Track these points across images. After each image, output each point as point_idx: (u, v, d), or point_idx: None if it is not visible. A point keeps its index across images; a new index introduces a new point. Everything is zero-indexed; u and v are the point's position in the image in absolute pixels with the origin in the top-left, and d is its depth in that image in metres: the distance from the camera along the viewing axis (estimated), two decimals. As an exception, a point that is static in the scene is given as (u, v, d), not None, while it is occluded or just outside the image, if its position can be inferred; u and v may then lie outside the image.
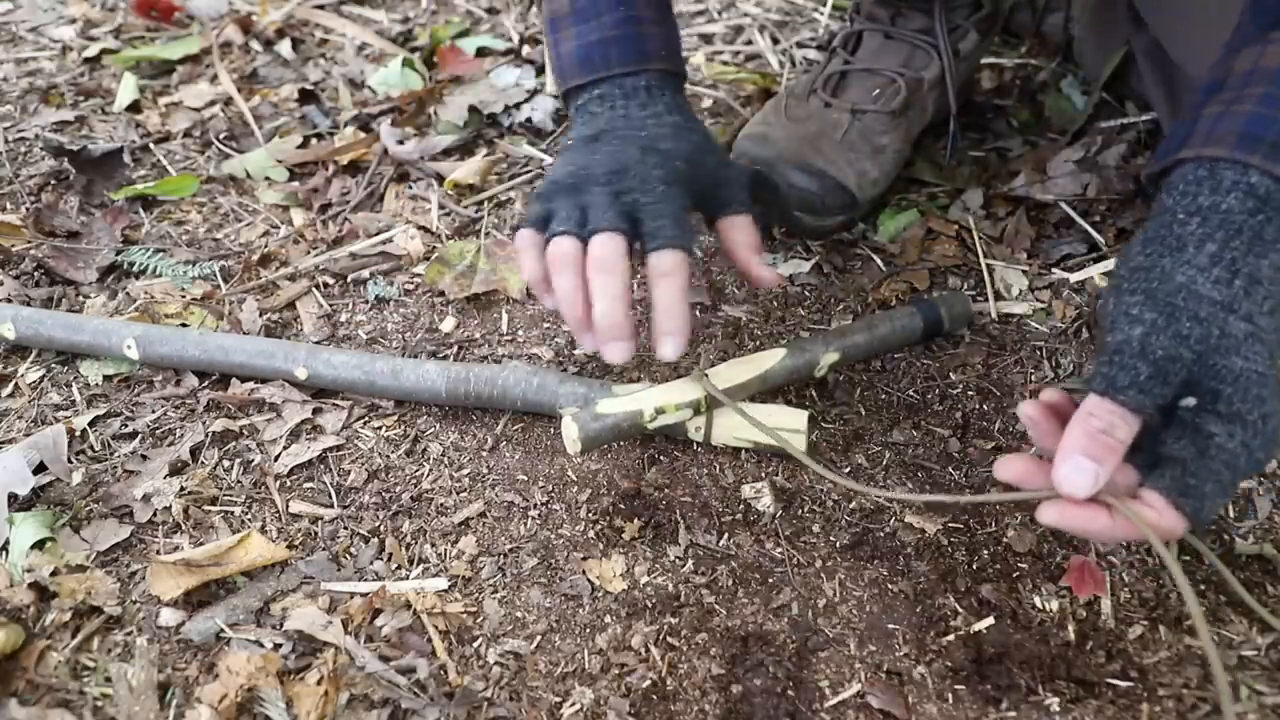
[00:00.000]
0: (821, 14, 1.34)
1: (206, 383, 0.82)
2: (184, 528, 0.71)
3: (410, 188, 1.07)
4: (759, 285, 0.74)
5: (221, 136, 1.15)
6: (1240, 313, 0.47)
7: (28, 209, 1.02)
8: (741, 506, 0.72)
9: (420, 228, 1.00)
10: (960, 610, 0.65)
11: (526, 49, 1.31)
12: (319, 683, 0.60)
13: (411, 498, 0.73)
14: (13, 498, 0.71)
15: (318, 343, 0.86)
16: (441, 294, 0.92)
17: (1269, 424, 0.46)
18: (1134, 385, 0.48)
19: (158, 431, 0.79)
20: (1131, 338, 0.49)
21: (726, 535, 0.70)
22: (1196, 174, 0.50)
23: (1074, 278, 0.90)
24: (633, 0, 0.73)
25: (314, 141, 1.14)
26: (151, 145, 1.13)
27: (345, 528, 0.71)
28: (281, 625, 0.64)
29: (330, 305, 0.91)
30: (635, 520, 0.71)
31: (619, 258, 0.63)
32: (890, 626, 0.65)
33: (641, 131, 0.69)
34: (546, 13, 0.76)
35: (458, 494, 0.74)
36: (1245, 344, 0.47)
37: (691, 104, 0.86)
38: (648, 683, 0.61)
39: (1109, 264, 0.91)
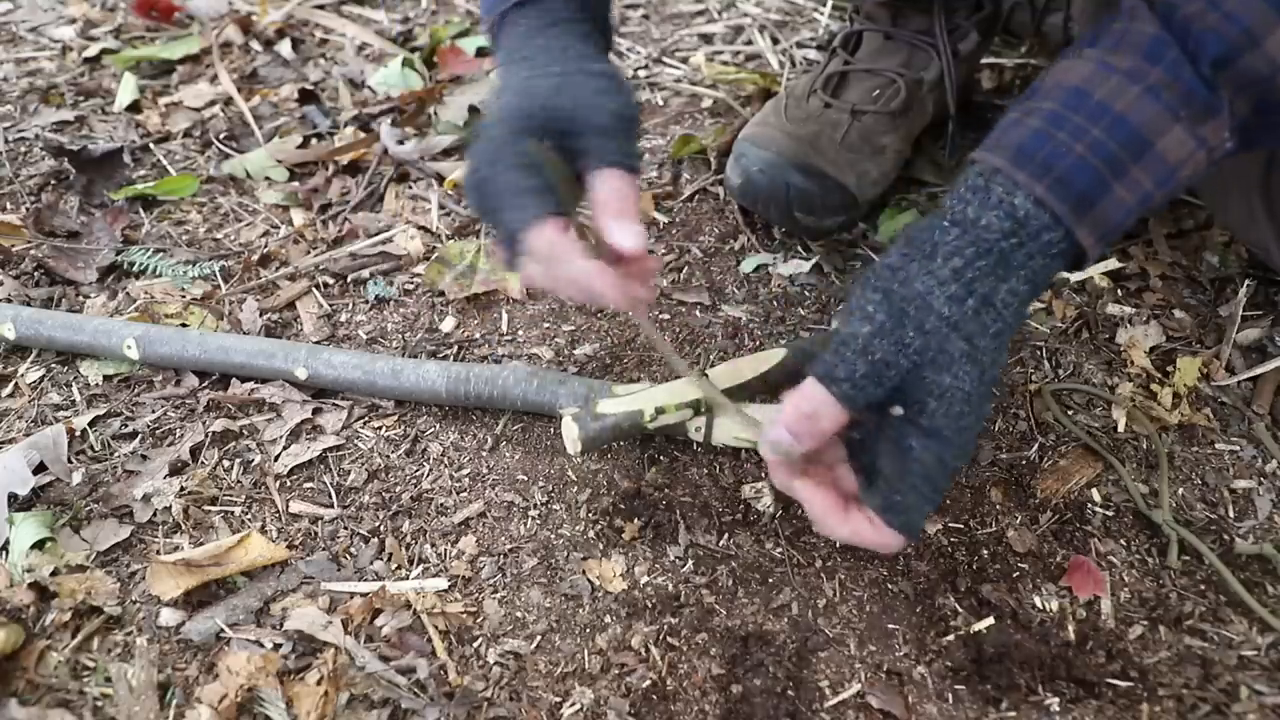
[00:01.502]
0: (821, 14, 1.34)
1: (206, 383, 0.82)
2: (184, 528, 0.71)
3: (410, 188, 1.07)
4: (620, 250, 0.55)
5: (221, 136, 1.15)
6: (963, 332, 0.49)
7: (28, 209, 1.02)
8: (741, 506, 0.72)
9: (420, 228, 1.00)
10: (960, 610, 0.65)
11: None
12: (319, 683, 0.60)
13: (411, 498, 0.73)
14: (13, 498, 0.71)
15: (318, 343, 0.86)
16: (441, 294, 0.92)
17: (963, 437, 0.49)
18: (848, 380, 0.50)
19: (158, 431, 0.79)
20: (858, 334, 0.51)
21: (726, 535, 0.70)
22: (975, 182, 0.51)
23: (1074, 277, 0.90)
24: None
25: (314, 141, 1.14)
26: (151, 145, 1.13)
27: (345, 528, 0.71)
28: (281, 625, 0.64)
29: (330, 305, 0.91)
30: (635, 520, 0.71)
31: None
32: (890, 626, 0.65)
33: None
34: None
35: (458, 494, 0.74)
36: (959, 363, 0.49)
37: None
38: (648, 683, 0.61)
39: (1109, 264, 0.91)
